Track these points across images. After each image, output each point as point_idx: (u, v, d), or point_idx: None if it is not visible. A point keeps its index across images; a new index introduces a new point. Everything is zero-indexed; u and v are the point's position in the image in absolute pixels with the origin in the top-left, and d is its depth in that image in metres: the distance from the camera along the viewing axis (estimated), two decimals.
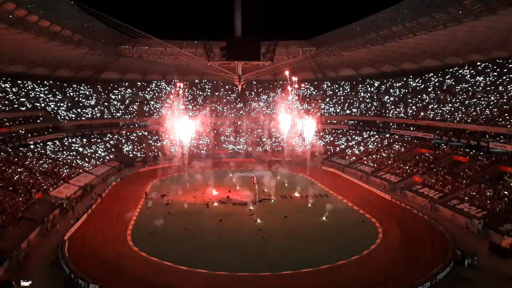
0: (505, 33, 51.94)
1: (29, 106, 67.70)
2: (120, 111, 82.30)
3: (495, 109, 53.75)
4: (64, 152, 64.34)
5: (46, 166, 55.20)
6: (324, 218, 39.37)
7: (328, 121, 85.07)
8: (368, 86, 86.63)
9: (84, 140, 72.95)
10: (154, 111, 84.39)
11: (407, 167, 56.40)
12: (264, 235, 34.90)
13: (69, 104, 76.60)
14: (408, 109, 70.23)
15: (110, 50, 72.40)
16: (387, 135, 72.46)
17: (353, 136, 79.21)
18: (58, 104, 74.46)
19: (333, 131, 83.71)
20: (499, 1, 43.24)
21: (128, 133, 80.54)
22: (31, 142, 61.51)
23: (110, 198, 48.48)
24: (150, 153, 74.41)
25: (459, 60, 67.51)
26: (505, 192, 39.97)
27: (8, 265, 27.94)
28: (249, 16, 65.35)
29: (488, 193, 40.93)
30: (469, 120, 55.28)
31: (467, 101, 60.22)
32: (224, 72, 67.81)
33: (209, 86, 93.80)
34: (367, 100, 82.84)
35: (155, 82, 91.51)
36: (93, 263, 28.83)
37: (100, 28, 61.44)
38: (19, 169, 50.19)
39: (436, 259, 28.63)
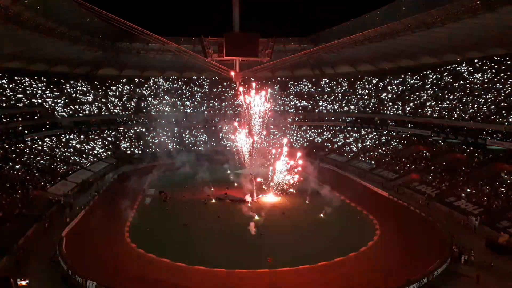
0: (503, 30, 51.96)
1: (26, 102, 67.42)
2: (118, 108, 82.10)
3: (493, 107, 53.90)
4: (62, 149, 64.16)
5: (43, 163, 55.06)
6: (321, 215, 39.50)
7: (326, 118, 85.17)
8: (366, 83, 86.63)
9: (82, 136, 72.72)
10: (152, 108, 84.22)
11: (404, 164, 56.55)
12: (261, 232, 34.98)
13: (67, 100, 76.33)
14: (406, 106, 70.34)
15: (108, 46, 72.07)
16: (385, 132, 72.58)
17: (351, 133, 79.28)
18: (55, 100, 74.20)
19: (331, 128, 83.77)
20: None
21: (125, 130, 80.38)
22: (28, 139, 61.32)
23: (108, 194, 48.41)
24: (147, 150, 74.29)
25: (457, 57, 67.59)
26: (502, 189, 40.19)
27: (5, 262, 27.91)
28: (247, 13, 65.09)
29: (485, 190, 41.12)
30: (466, 117, 55.44)
31: (464, 98, 60.34)
32: (222, 69, 67.52)
33: (207, 83, 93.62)
34: (365, 97, 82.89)
35: (153, 78, 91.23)
36: (91, 260, 28.78)
37: (97, 24, 61.05)
38: (16, 166, 50.04)
39: (433, 256, 28.77)
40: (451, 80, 67.52)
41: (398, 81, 80.00)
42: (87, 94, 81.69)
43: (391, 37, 62.48)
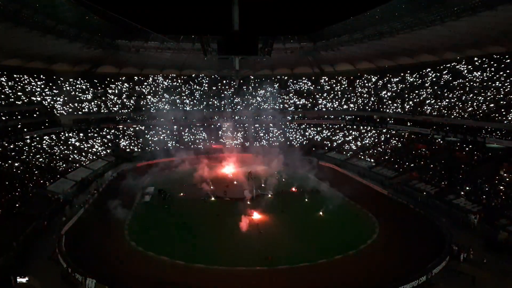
0: (503, 28, 52.01)
1: (26, 100, 67.31)
2: (117, 106, 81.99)
3: (492, 105, 53.93)
4: (61, 147, 64.09)
5: (42, 161, 55.00)
6: (321, 213, 39.55)
7: (326, 116, 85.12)
8: (365, 81, 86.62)
9: (81, 134, 72.66)
10: (151, 106, 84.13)
11: (403, 162, 56.57)
12: (261, 229, 35.02)
13: (66, 98, 76.20)
14: (405, 105, 70.34)
15: (107, 44, 71.93)
16: (384, 131, 72.58)
17: (350, 131, 79.27)
18: (54, 98, 74.09)
19: (330, 126, 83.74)
20: None
21: (125, 128, 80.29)
22: (28, 137, 61.24)
23: (107, 192, 48.35)
24: (147, 148, 74.22)
25: (456, 55, 67.58)
26: (501, 187, 40.23)
27: (5, 260, 27.91)
28: (247, 11, 64.78)
29: (484, 188, 41.17)
30: (466, 116, 55.46)
31: (464, 97, 60.36)
32: (221, 67, 67.49)
33: (207, 81, 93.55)
34: (365, 95, 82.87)
35: (152, 76, 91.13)
36: (90, 258, 28.86)
37: (96, 22, 60.94)
38: (15, 164, 50.00)
39: (432, 254, 28.86)
40: (450, 78, 67.52)
41: (397, 79, 79.99)
42: (86, 92, 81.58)
43: (390, 35, 62.52)
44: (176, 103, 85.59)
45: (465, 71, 65.67)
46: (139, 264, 28.24)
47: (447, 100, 62.66)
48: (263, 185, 50.54)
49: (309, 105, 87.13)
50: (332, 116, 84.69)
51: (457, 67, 68.04)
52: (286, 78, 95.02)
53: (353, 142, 73.95)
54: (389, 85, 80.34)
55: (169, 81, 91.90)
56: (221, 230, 35.44)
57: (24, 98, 67.40)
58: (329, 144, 77.29)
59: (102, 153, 68.99)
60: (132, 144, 75.93)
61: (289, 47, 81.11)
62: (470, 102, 58.01)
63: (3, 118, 59.37)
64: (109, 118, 79.83)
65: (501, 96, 54.71)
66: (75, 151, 64.56)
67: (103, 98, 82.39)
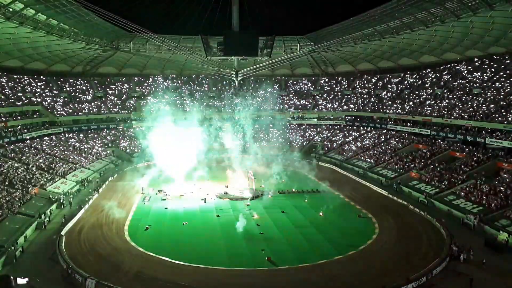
0: (502, 28, 52.05)
1: (26, 101, 67.36)
2: (117, 106, 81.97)
3: (492, 105, 53.93)
4: (61, 147, 64.11)
5: (42, 161, 55.00)
6: (321, 214, 39.54)
7: (325, 117, 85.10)
8: (365, 81, 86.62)
9: (81, 135, 72.67)
10: (151, 106, 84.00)
11: (403, 163, 56.56)
12: (261, 230, 35.00)
13: (66, 99, 76.23)
14: (405, 105, 70.34)
15: (107, 44, 71.98)
16: (384, 131, 72.57)
17: (350, 132, 79.24)
18: (54, 99, 74.11)
19: (330, 126, 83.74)
20: None
21: (125, 129, 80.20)
22: (28, 137, 61.27)
23: (107, 193, 48.38)
24: (147, 149, 74.05)
25: (456, 56, 67.60)
26: (501, 188, 40.21)
27: (4, 260, 27.93)
28: (246, 11, 64.85)
29: (484, 189, 41.16)
30: (466, 116, 55.44)
31: (464, 97, 60.37)
32: (221, 67, 67.49)
33: (207, 81, 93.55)
34: (365, 96, 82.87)
35: (152, 77, 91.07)
36: (90, 258, 28.89)
37: (97, 23, 60.99)
38: (15, 164, 50.01)
39: (432, 254, 28.84)
40: (450, 78, 67.55)
41: (397, 80, 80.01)
42: (86, 92, 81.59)
43: (390, 35, 62.57)
44: (176, 103, 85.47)
45: (465, 71, 65.68)
46: (139, 264, 28.19)
47: (447, 100, 62.66)
48: (262, 185, 50.54)
49: (309, 105, 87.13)
50: (332, 117, 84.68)
51: (457, 67, 68.07)
52: (286, 78, 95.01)
53: (353, 143, 73.93)
54: (389, 86, 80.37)
55: (169, 81, 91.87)
56: (221, 230, 35.43)
57: (24, 98, 67.44)
58: (329, 145, 77.30)
59: (102, 153, 69.00)
60: (132, 144, 75.92)
61: (289, 48, 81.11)
62: (470, 103, 58.01)
63: (4, 119, 59.41)
64: (109, 118, 79.81)
65: (501, 96, 54.72)
66: (75, 152, 64.57)
67: (103, 98, 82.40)
